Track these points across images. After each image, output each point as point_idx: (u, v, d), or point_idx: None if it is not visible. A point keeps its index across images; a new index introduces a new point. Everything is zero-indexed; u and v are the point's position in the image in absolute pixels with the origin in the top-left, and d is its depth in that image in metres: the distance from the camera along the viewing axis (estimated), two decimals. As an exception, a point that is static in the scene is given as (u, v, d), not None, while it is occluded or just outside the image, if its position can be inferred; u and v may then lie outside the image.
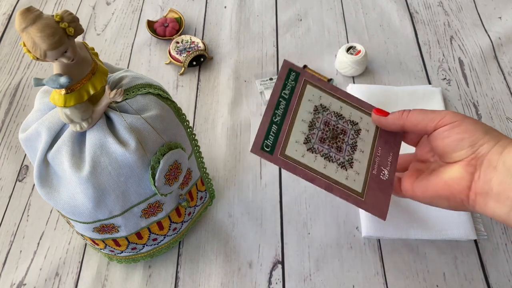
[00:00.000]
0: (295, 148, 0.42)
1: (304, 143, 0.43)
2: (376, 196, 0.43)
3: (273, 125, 0.42)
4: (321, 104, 0.45)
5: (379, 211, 0.43)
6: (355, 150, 0.44)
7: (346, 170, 0.43)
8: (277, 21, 0.80)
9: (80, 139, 0.39)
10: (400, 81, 0.70)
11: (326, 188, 0.42)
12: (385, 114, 0.44)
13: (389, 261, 0.53)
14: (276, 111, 0.43)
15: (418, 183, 0.42)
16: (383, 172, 0.44)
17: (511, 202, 0.34)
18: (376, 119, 0.45)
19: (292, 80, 0.45)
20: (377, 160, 0.45)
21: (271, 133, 0.42)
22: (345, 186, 0.43)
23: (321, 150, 0.43)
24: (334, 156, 0.43)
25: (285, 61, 0.45)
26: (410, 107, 0.63)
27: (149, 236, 0.48)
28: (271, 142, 0.42)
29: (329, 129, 0.44)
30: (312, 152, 0.43)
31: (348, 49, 0.69)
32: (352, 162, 0.44)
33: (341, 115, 0.45)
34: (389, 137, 0.46)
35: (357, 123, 0.46)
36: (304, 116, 0.44)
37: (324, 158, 0.43)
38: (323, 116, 0.45)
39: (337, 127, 0.45)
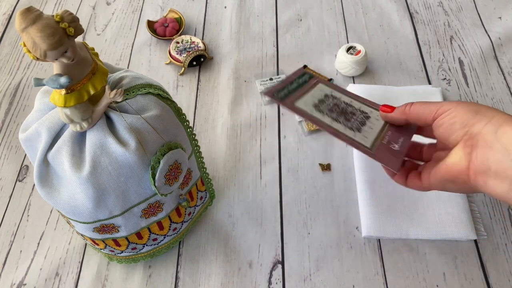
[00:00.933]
0: (305, 105, 0.45)
1: (313, 107, 0.45)
2: (387, 155, 0.43)
3: (286, 89, 0.46)
4: (331, 94, 0.48)
5: (392, 163, 0.42)
6: (364, 125, 0.45)
7: (354, 132, 0.44)
8: (277, 21, 0.80)
9: (80, 139, 0.39)
10: (400, 81, 0.70)
11: (332, 134, 0.43)
12: (391, 110, 0.46)
13: (389, 261, 0.53)
14: (289, 85, 0.47)
15: (431, 172, 0.42)
16: (393, 145, 0.44)
17: (510, 180, 0.35)
18: (383, 115, 0.47)
19: (304, 78, 0.49)
20: (387, 137, 0.45)
21: (284, 91, 0.45)
22: (354, 139, 0.43)
23: (330, 115, 0.45)
24: (342, 121, 0.44)
25: (301, 68, 0.50)
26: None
27: (149, 236, 0.48)
28: (283, 95, 0.45)
29: (339, 109, 0.46)
30: (321, 113, 0.45)
31: (348, 49, 0.69)
32: (360, 129, 0.44)
33: (351, 105, 0.47)
34: (401, 129, 0.46)
35: (367, 113, 0.47)
36: (315, 94, 0.47)
37: (332, 120, 0.44)
38: (333, 100, 0.47)
39: (347, 110, 0.46)
